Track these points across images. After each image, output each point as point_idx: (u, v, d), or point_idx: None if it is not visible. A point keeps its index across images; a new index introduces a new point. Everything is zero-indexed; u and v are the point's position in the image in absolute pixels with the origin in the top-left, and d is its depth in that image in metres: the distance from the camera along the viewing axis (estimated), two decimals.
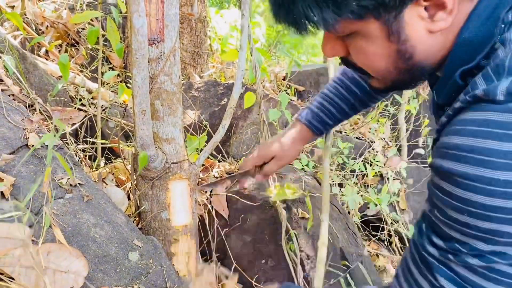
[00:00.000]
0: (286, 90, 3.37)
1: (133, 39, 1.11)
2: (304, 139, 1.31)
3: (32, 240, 0.85)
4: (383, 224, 2.14)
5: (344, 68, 1.27)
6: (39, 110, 1.26)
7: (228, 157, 2.42)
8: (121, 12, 2.19)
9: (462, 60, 0.68)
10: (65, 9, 2.95)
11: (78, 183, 1.03)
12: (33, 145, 1.01)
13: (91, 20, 2.74)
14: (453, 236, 0.66)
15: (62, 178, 1.01)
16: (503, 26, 0.64)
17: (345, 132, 2.59)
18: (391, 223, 2.05)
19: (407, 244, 2.24)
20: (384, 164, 2.58)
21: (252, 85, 2.59)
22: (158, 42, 1.24)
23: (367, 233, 2.49)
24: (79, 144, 1.72)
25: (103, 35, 1.97)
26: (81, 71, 2.64)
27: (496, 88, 0.59)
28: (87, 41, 2.85)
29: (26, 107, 1.27)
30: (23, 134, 1.03)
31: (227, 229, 1.59)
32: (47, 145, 1.06)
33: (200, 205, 1.62)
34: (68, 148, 1.27)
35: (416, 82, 0.79)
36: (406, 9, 0.65)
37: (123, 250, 0.96)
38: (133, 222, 1.32)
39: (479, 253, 0.64)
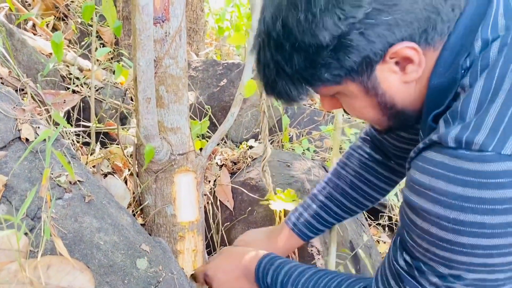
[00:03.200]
0: None
1: (137, 19, 0.99)
2: (292, 247, 1.26)
3: (29, 251, 0.75)
4: (388, 212, 2.08)
5: (345, 158, 1.24)
6: (31, 94, 1.14)
7: (227, 141, 2.32)
8: None
9: (434, 104, 0.73)
10: None
11: (78, 180, 0.92)
12: (26, 138, 0.90)
13: None
14: (417, 256, 0.75)
15: (60, 175, 0.90)
16: (462, 71, 0.70)
17: (349, 116, 2.49)
18: (399, 212, 1.99)
19: None
20: None
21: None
22: (163, 22, 1.12)
23: (366, 217, 2.43)
24: (71, 127, 1.60)
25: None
26: (70, 46, 2.49)
27: (447, 136, 0.65)
28: (78, 15, 2.69)
29: (16, 91, 1.15)
30: (15, 125, 0.91)
31: (231, 221, 1.50)
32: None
33: (203, 195, 1.53)
34: (64, 137, 1.16)
35: (408, 126, 0.85)
36: (376, 69, 0.71)
37: (130, 257, 0.86)
38: (135, 216, 1.23)
39: (439, 274, 0.73)
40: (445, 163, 0.65)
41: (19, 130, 0.91)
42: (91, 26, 2.32)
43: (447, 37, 0.70)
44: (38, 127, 0.95)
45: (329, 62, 0.69)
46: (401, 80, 0.73)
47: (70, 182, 0.91)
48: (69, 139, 1.22)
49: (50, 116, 1.15)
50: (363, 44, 0.67)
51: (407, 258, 0.77)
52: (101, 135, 1.77)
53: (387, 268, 0.84)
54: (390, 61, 0.70)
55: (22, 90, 1.17)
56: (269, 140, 2.20)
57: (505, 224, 0.62)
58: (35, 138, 0.92)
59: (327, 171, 1.71)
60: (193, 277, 1.18)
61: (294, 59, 0.71)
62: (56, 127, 1.06)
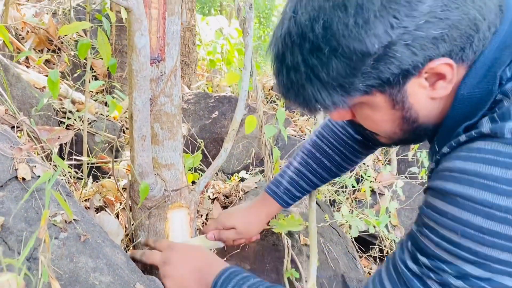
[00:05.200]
0: (275, 101, 3.31)
1: (134, 60, 1.02)
2: (271, 214, 1.30)
3: None
4: (379, 243, 2.09)
5: (321, 129, 1.26)
6: (27, 132, 1.15)
7: (218, 172, 2.34)
8: (110, 22, 2.08)
9: (463, 115, 0.72)
10: (47, 13, 2.81)
11: (73, 219, 0.93)
12: (23, 178, 0.91)
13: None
14: (439, 255, 0.68)
15: (56, 214, 0.91)
16: (503, 82, 0.68)
17: None
18: (390, 243, 2.00)
19: None
20: (375, 179, 2.54)
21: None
22: (159, 62, 1.15)
23: (357, 249, 2.44)
24: (65, 164, 1.60)
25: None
26: (64, 79, 2.51)
27: (503, 127, 0.63)
28: (71, 48, 2.72)
29: (12, 127, 1.17)
30: (12, 164, 0.93)
31: (224, 256, 1.50)
32: (38, 176, 0.96)
33: (196, 230, 1.53)
34: (58, 175, 1.16)
35: (421, 139, 0.85)
36: (409, 82, 0.69)
37: None
38: (126, 250, 1.23)
39: (464, 276, 0.66)
40: (500, 150, 0.62)
41: (16, 170, 0.92)
42: (85, 59, 2.35)
43: (479, 53, 0.69)
44: (35, 166, 0.96)
45: (368, 72, 0.67)
46: (429, 95, 0.71)
47: (66, 221, 0.92)
48: (64, 175, 1.23)
49: (45, 154, 1.16)
50: (406, 56, 0.65)
51: (422, 258, 0.71)
52: (93, 169, 1.78)
53: (384, 276, 0.80)
54: (423, 76, 0.69)
55: (18, 127, 1.18)
56: (260, 172, 2.22)
57: None
58: (32, 177, 0.94)
59: (318, 204, 1.73)
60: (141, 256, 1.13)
61: (332, 65, 0.66)
62: (52, 166, 1.07)
